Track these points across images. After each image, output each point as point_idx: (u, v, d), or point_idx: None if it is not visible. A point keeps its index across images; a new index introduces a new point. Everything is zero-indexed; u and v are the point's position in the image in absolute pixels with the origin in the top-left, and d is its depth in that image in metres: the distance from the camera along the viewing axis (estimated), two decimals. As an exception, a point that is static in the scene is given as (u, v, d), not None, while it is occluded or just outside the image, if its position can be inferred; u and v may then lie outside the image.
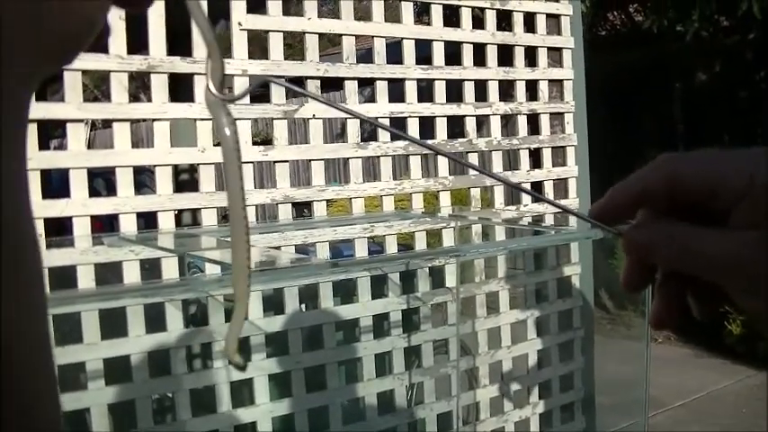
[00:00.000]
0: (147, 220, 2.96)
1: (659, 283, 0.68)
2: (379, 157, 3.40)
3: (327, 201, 3.30)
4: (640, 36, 10.27)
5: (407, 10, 3.52)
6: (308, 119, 3.22)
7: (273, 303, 3.18)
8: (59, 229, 2.81)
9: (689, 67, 10.58)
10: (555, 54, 4.05)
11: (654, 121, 11.05)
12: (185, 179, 4.96)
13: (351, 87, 3.35)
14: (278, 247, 3.07)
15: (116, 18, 2.76)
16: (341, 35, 3.33)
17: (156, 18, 2.87)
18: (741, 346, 7.54)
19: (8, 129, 0.41)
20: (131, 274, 2.78)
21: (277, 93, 3.15)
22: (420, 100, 3.51)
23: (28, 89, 0.44)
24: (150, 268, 2.86)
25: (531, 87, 3.97)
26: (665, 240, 0.64)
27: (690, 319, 0.68)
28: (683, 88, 10.64)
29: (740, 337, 7.55)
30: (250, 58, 3.04)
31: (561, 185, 4.02)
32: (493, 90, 3.77)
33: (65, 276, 2.68)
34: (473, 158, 3.73)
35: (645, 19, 10.20)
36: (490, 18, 3.78)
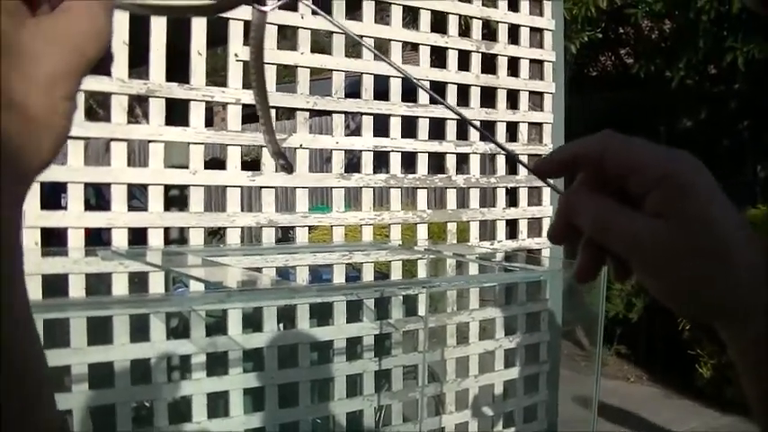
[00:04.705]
0: (137, 235, 3.10)
1: (583, 242, 0.75)
2: (361, 188, 3.56)
3: (309, 227, 3.45)
4: (629, 79, 10.42)
5: (396, 48, 3.68)
6: (296, 148, 3.37)
7: (252, 321, 3.31)
8: (49, 236, 2.93)
9: (675, 113, 10.74)
10: (536, 98, 4.20)
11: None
12: (175, 195, 5.10)
13: (338, 120, 3.51)
14: (260, 269, 3.21)
15: (119, 43, 2.92)
16: (331, 70, 3.50)
17: (157, 45, 3.03)
18: (710, 389, 7.65)
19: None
20: (120, 286, 2.93)
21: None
22: (403, 135, 3.67)
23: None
24: (138, 282, 3.00)
25: (512, 129, 4.13)
26: (589, 208, 0.73)
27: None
28: (668, 132, 10.78)
29: (710, 380, 7.66)
30: (244, 87, 3.19)
31: (535, 224, 4.17)
32: (474, 129, 3.92)
33: (58, 283, 2.82)
34: (451, 194, 3.88)
35: (634, 63, 10.36)
36: (475, 60, 3.94)
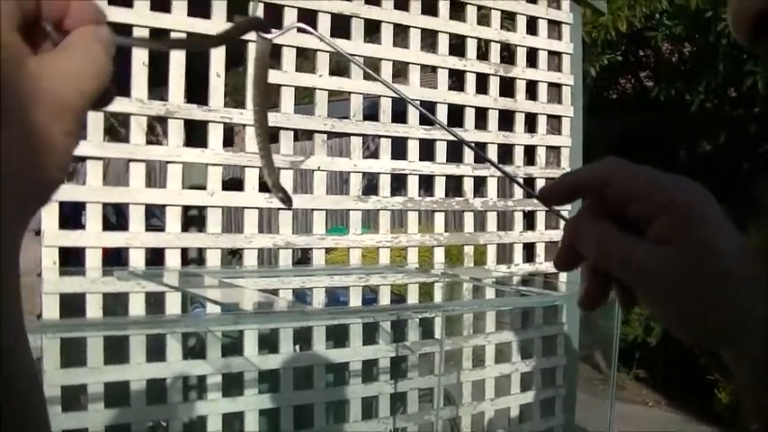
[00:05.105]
0: (156, 253, 3.12)
1: (589, 269, 0.75)
2: (378, 210, 3.56)
3: (326, 249, 3.45)
4: (648, 102, 10.39)
5: (414, 71, 3.69)
6: (314, 170, 3.39)
7: (269, 342, 3.32)
8: (67, 255, 2.96)
9: (694, 136, 10.70)
10: (554, 121, 4.21)
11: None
12: (194, 215, 5.12)
13: (356, 143, 3.52)
14: (276, 291, 3.22)
15: (139, 65, 2.95)
16: (350, 92, 3.51)
17: (177, 67, 3.05)
18: (728, 415, 7.57)
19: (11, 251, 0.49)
20: (137, 306, 2.94)
21: (285, 144, 3.32)
22: (421, 158, 3.68)
23: (25, 220, 0.51)
24: (155, 302, 3.01)
25: (530, 152, 4.13)
26: (593, 237, 0.73)
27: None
28: (688, 156, 10.75)
29: (728, 405, 7.59)
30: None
31: (553, 248, 4.15)
32: (492, 153, 3.92)
33: (75, 303, 2.84)
34: (468, 217, 3.88)
35: (654, 86, 10.34)
36: (493, 84, 3.95)
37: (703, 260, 0.68)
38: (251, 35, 0.76)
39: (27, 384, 0.52)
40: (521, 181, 1.00)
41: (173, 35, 3.02)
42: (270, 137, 0.87)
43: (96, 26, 0.55)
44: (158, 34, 3.00)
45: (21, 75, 0.48)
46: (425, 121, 3.66)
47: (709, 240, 0.68)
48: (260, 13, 3.14)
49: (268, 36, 0.77)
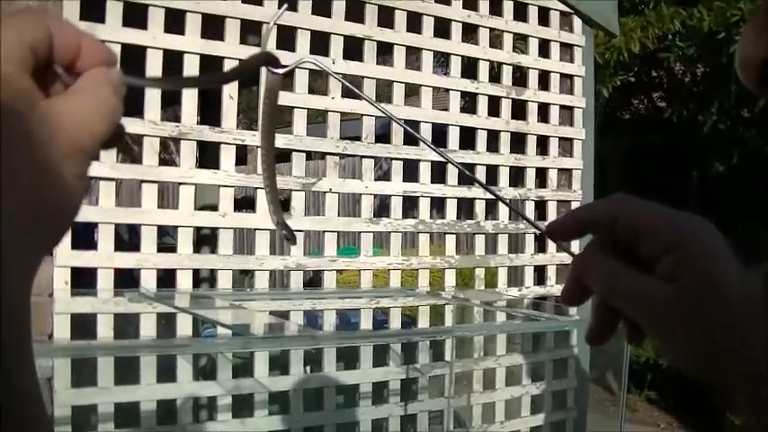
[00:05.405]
0: (168, 272, 3.12)
1: (596, 304, 0.75)
2: (390, 232, 3.57)
3: (338, 271, 3.45)
4: (661, 123, 10.37)
5: (426, 93, 3.70)
6: (325, 192, 3.39)
7: (279, 364, 3.31)
8: (80, 274, 2.96)
9: (707, 157, 10.68)
10: (566, 144, 4.21)
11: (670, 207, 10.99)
12: (207, 234, 5.13)
13: (367, 165, 3.52)
14: (287, 313, 3.22)
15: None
16: (362, 115, 3.52)
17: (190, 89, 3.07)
18: (740, 437, 7.52)
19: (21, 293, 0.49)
20: (148, 327, 2.95)
21: (297, 165, 3.33)
22: (433, 180, 3.68)
23: (37, 257, 0.50)
24: (166, 323, 3.02)
25: (541, 175, 4.13)
26: (600, 272, 0.73)
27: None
28: (700, 177, 10.72)
29: (740, 428, 7.53)
30: (275, 131, 3.22)
31: (564, 271, 4.15)
32: (504, 175, 3.93)
33: (86, 323, 2.85)
34: (480, 240, 3.88)
35: (666, 106, 10.32)
36: (505, 106, 3.96)
37: (711, 298, 0.68)
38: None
39: (28, 386, 0.51)
40: (531, 219, 1.00)
41: (186, 57, 3.03)
42: (279, 156, 0.88)
43: (107, 68, 0.55)
44: (172, 56, 3.01)
45: (32, 117, 0.49)
46: (437, 142, 3.66)
47: (717, 278, 0.68)
48: (273, 35, 3.15)
49: (278, 71, 0.78)
